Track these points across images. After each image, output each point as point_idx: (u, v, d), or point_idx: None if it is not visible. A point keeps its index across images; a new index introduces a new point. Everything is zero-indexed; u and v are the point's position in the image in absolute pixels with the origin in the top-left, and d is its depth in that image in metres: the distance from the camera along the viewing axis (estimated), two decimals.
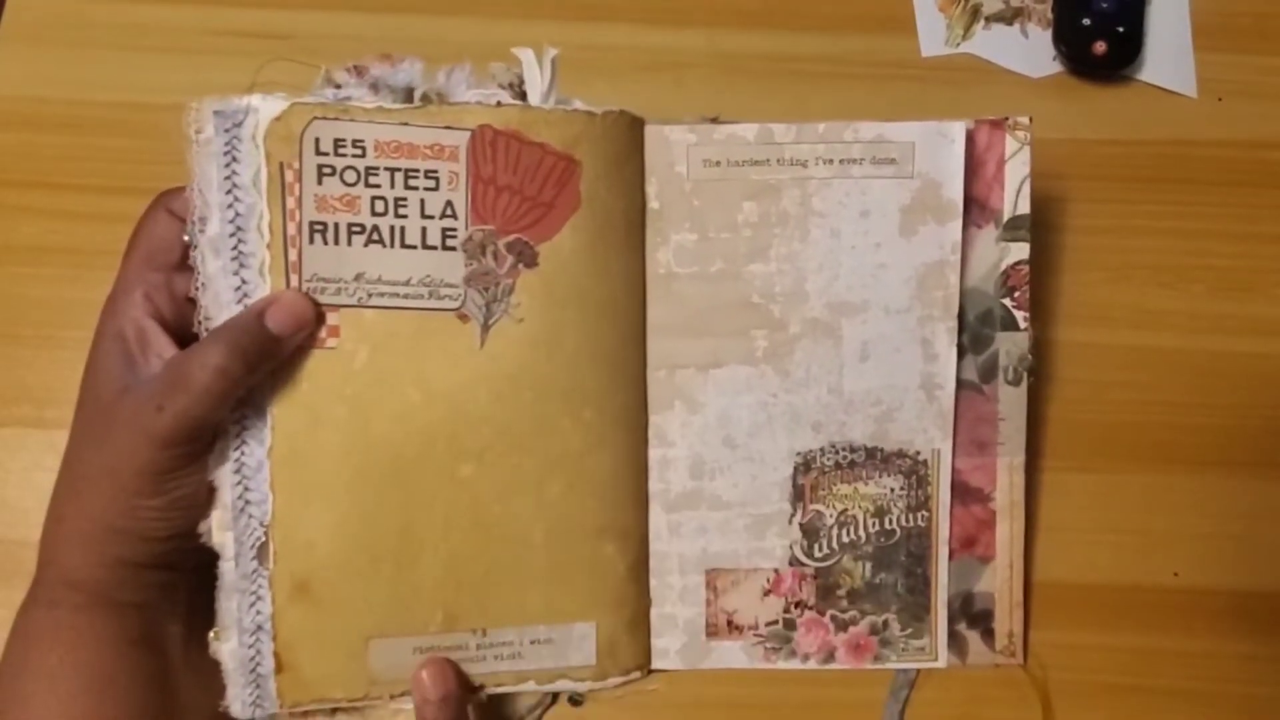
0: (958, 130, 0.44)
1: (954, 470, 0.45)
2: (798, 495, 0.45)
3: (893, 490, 0.45)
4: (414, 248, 0.40)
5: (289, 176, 0.39)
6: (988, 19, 0.56)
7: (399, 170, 0.39)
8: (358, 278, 0.39)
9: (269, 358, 0.38)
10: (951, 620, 0.46)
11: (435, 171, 0.40)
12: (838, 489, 0.45)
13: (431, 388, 0.40)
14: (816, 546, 0.45)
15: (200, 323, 0.38)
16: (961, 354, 0.45)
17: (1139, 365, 0.51)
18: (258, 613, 0.39)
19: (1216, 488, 0.50)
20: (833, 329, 0.44)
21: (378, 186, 0.39)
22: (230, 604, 0.39)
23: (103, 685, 0.37)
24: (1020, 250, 0.45)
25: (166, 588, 0.39)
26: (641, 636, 0.44)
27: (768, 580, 0.45)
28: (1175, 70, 0.55)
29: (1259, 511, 0.50)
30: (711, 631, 0.45)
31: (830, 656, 0.45)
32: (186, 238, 0.39)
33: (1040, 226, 0.49)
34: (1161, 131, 0.54)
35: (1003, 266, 0.45)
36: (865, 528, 0.45)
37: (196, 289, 0.38)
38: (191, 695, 0.39)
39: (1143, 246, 0.53)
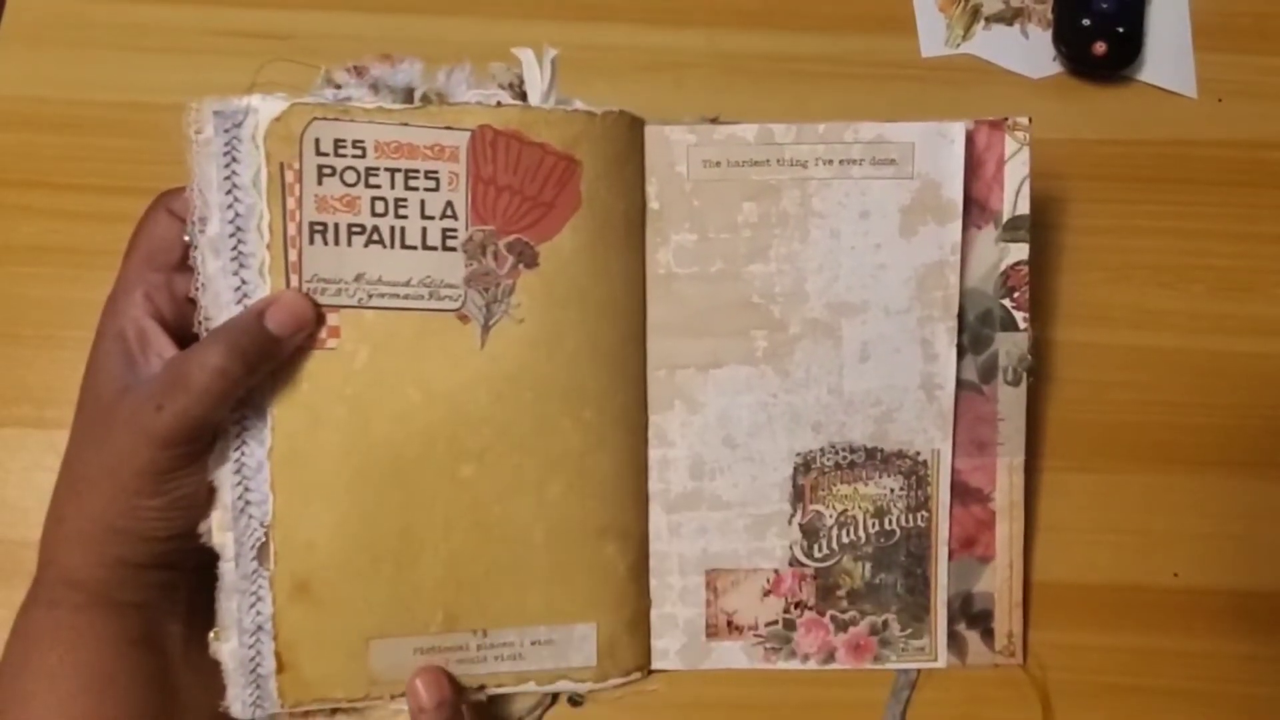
0: (957, 131, 0.44)
1: (954, 470, 0.45)
2: (798, 495, 0.45)
3: (892, 490, 0.45)
4: (414, 248, 0.40)
5: (289, 177, 0.39)
6: (988, 19, 0.56)
7: (399, 171, 0.39)
8: (358, 278, 0.39)
9: (269, 358, 0.38)
10: (951, 620, 0.46)
11: (435, 172, 0.40)
12: (838, 489, 0.45)
13: (432, 388, 0.40)
14: (816, 547, 0.45)
15: (200, 323, 0.38)
16: (961, 354, 0.45)
17: (1139, 365, 0.51)
18: (258, 613, 0.39)
19: (1216, 488, 0.50)
20: (833, 329, 0.44)
21: (378, 187, 0.39)
22: (230, 604, 0.39)
23: (103, 685, 0.37)
24: (1020, 251, 0.45)
25: (167, 588, 0.39)
26: (642, 637, 0.44)
27: (768, 581, 0.45)
28: (1175, 70, 0.55)
29: (1259, 511, 0.50)
30: (711, 632, 0.45)
31: (830, 657, 0.45)
32: (186, 238, 0.39)
33: (1040, 227, 0.49)
34: (1161, 132, 0.54)
35: (1002, 267, 0.45)
36: (865, 528, 0.45)
37: (196, 289, 0.38)
38: (191, 695, 0.39)
39: (1143, 246, 0.53)
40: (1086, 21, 0.54)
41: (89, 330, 0.39)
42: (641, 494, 0.44)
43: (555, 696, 0.45)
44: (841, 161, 0.44)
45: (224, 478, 0.39)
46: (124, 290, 0.39)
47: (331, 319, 0.39)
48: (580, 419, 0.42)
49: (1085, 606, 0.48)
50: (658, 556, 0.44)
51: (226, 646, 0.39)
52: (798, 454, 0.45)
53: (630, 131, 0.43)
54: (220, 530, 0.39)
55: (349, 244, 0.39)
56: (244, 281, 0.38)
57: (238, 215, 0.38)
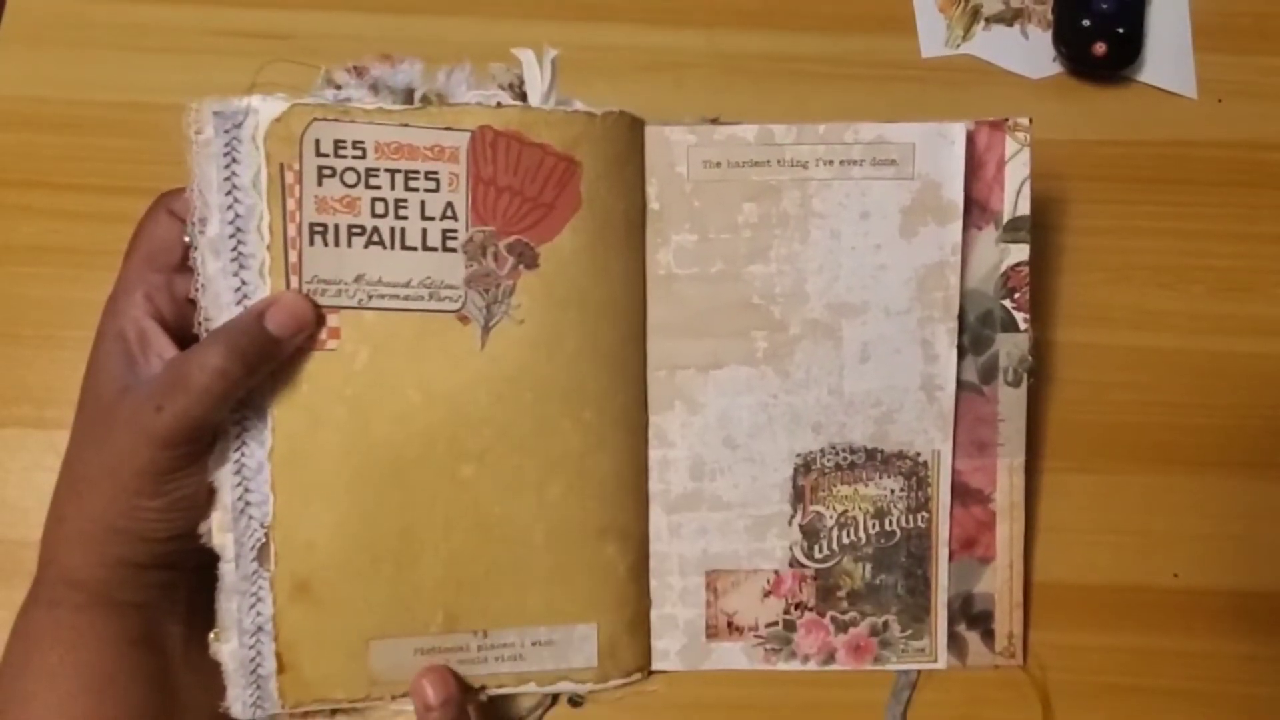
0: (958, 131, 0.44)
1: (954, 471, 0.45)
2: (798, 496, 0.45)
3: (893, 491, 0.45)
4: (414, 249, 0.40)
5: (289, 178, 0.39)
6: (988, 20, 0.56)
7: (399, 171, 0.39)
8: (358, 279, 0.39)
9: (268, 359, 0.38)
10: (951, 621, 0.46)
11: (435, 173, 0.40)
12: (838, 490, 0.45)
13: (432, 389, 0.40)
14: (817, 548, 0.45)
15: (200, 324, 0.38)
16: (961, 355, 0.45)
17: (1139, 366, 0.51)
18: (258, 614, 0.39)
19: (1216, 488, 0.50)
20: (833, 330, 0.44)
21: (378, 188, 0.39)
22: (231, 605, 0.39)
23: (103, 685, 0.37)
24: (1020, 251, 0.45)
25: (167, 588, 0.39)
26: (642, 638, 0.44)
27: (768, 581, 0.45)
28: (1175, 71, 0.55)
29: (1259, 511, 0.50)
30: (712, 633, 0.45)
31: (830, 658, 0.45)
32: (187, 239, 0.39)
33: (1040, 227, 0.49)
34: (1161, 132, 0.54)
35: (1003, 268, 0.45)
36: (865, 529, 0.45)
37: (196, 290, 0.38)
38: (191, 695, 0.39)
39: (1143, 247, 0.53)
40: (1086, 22, 0.54)
41: (89, 330, 0.39)
42: (642, 495, 0.44)
43: (555, 697, 0.45)
44: (842, 162, 0.44)
45: (224, 478, 0.39)
46: (124, 291, 0.39)
47: (332, 320, 0.39)
48: (580, 420, 0.42)
49: (1085, 607, 0.48)
50: (658, 557, 0.44)
51: (227, 647, 0.39)
52: (798, 455, 0.45)
53: (630, 132, 0.42)
54: (220, 531, 0.39)
55: (349, 245, 0.39)
56: (244, 282, 0.38)
57: (238, 216, 0.38)
